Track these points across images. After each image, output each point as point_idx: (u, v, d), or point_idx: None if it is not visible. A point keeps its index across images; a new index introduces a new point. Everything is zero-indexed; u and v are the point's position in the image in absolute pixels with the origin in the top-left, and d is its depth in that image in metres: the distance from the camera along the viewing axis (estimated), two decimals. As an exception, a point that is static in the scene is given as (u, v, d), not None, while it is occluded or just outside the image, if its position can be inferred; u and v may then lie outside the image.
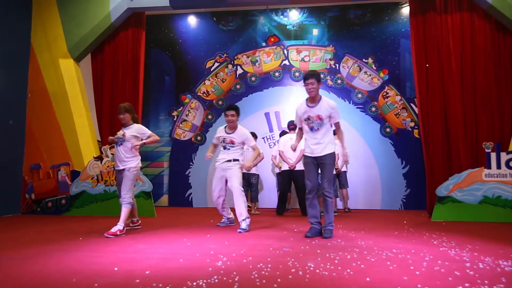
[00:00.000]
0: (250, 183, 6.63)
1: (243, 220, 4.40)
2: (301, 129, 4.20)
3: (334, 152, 3.95)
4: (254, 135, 6.88)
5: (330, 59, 8.12)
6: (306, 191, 4.00)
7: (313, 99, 3.97)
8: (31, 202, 6.47)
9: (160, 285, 2.05)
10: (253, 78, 8.30)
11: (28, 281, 2.17)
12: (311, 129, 3.96)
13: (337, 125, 4.01)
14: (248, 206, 6.94)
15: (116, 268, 2.43)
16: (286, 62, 8.29)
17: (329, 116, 3.92)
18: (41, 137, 6.54)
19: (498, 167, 5.32)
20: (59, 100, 6.56)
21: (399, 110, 7.80)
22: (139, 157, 4.49)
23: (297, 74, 8.20)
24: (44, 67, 6.64)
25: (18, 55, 6.54)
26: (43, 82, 6.61)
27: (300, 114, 4.07)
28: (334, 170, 6.60)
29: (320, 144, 3.92)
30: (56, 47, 6.63)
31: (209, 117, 8.33)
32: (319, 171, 4.05)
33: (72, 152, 6.44)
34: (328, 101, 3.98)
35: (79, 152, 6.43)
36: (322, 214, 4.11)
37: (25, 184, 6.51)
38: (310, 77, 3.89)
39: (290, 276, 2.24)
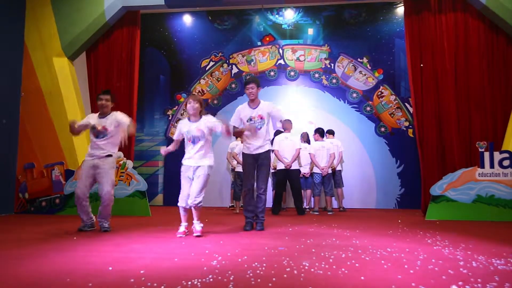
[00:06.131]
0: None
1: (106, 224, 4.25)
2: (234, 127, 4.46)
3: (270, 150, 4.41)
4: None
5: (325, 59, 8.14)
6: (245, 189, 4.36)
7: (253, 102, 4.37)
8: (25, 202, 6.42)
9: (155, 284, 2.05)
10: (248, 77, 8.28)
11: (21, 281, 2.15)
12: None
13: (283, 123, 4.49)
14: (240, 206, 6.93)
15: (110, 268, 2.42)
16: (281, 61, 8.30)
17: (268, 114, 4.34)
18: (34, 136, 6.49)
19: (492, 166, 5.36)
20: (53, 99, 6.51)
21: (393, 110, 7.83)
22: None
23: (292, 73, 8.21)
24: (38, 66, 6.58)
25: (11, 54, 6.48)
26: (37, 80, 6.56)
27: (242, 115, 4.40)
28: (330, 169, 6.67)
29: (259, 139, 4.28)
30: (50, 46, 6.58)
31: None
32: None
33: (66, 151, 6.40)
34: (267, 103, 4.42)
35: (73, 151, 6.39)
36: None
37: (18, 183, 6.46)
38: (251, 82, 4.34)
39: (285, 275, 2.24)
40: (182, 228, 3.88)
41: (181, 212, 3.91)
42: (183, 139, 3.99)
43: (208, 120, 3.91)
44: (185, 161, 3.91)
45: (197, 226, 3.84)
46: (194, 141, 3.85)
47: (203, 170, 3.81)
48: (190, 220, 3.94)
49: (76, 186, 4.25)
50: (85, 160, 4.27)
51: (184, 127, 3.92)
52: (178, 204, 3.89)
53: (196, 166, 3.82)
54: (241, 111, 4.44)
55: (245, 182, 4.39)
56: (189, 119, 3.94)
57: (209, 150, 3.92)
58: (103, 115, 4.32)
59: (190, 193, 3.79)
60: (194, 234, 3.78)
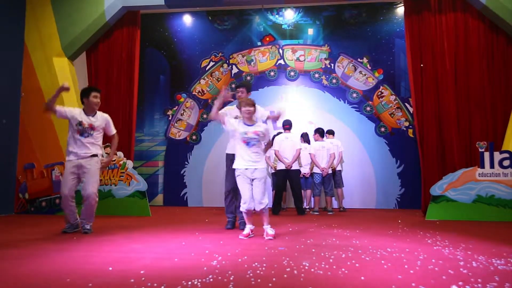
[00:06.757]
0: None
1: (88, 225, 4.14)
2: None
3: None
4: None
5: (325, 59, 8.14)
6: (225, 190, 4.46)
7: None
8: (25, 202, 6.42)
9: (155, 284, 2.05)
10: (248, 78, 8.29)
11: (22, 281, 2.15)
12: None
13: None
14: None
15: (110, 268, 2.42)
16: (281, 61, 8.30)
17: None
18: (35, 136, 6.49)
19: (492, 166, 5.36)
20: (53, 99, 6.50)
21: (393, 110, 7.83)
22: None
23: (292, 73, 8.20)
24: (38, 66, 6.58)
25: (11, 54, 6.48)
26: (37, 81, 6.55)
27: (229, 113, 4.35)
28: (330, 169, 6.67)
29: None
30: (50, 46, 6.58)
31: (204, 116, 8.32)
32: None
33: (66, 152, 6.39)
34: (258, 107, 4.35)
35: (73, 152, 6.38)
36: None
37: (18, 183, 6.46)
38: (241, 86, 4.53)
39: (285, 275, 2.24)
40: (247, 230, 3.83)
41: (244, 217, 3.88)
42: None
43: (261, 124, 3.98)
44: (240, 164, 3.84)
45: (269, 230, 3.77)
46: (249, 143, 3.81)
47: (261, 172, 3.80)
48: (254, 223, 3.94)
49: (61, 187, 4.13)
50: (69, 160, 4.10)
51: (241, 128, 3.85)
52: (241, 209, 3.85)
53: (253, 168, 3.79)
54: (230, 112, 4.47)
55: (226, 183, 4.43)
56: (243, 122, 3.90)
57: (262, 152, 3.93)
58: (92, 113, 4.20)
59: (254, 197, 3.76)
60: (267, 237, 3.69)
